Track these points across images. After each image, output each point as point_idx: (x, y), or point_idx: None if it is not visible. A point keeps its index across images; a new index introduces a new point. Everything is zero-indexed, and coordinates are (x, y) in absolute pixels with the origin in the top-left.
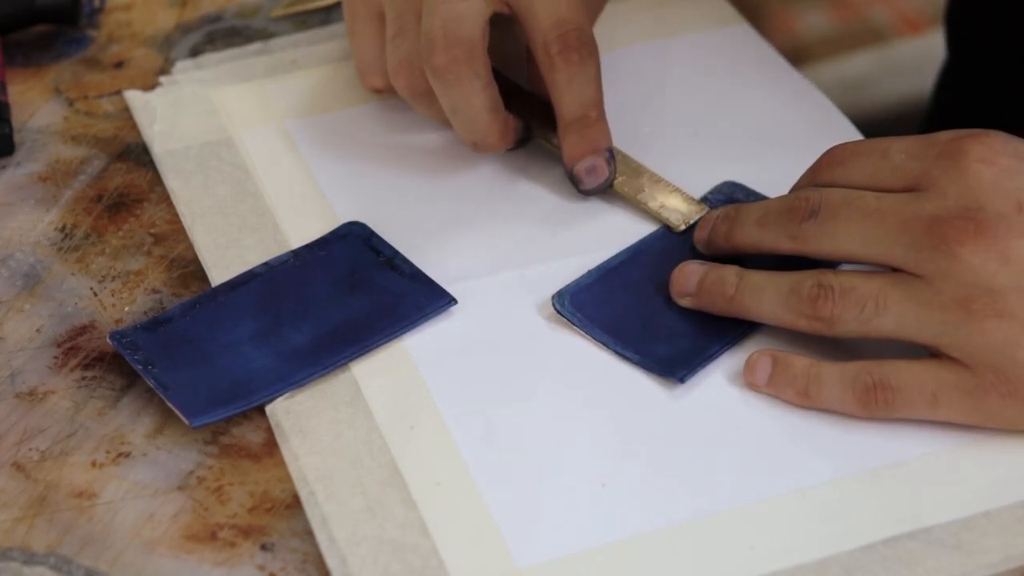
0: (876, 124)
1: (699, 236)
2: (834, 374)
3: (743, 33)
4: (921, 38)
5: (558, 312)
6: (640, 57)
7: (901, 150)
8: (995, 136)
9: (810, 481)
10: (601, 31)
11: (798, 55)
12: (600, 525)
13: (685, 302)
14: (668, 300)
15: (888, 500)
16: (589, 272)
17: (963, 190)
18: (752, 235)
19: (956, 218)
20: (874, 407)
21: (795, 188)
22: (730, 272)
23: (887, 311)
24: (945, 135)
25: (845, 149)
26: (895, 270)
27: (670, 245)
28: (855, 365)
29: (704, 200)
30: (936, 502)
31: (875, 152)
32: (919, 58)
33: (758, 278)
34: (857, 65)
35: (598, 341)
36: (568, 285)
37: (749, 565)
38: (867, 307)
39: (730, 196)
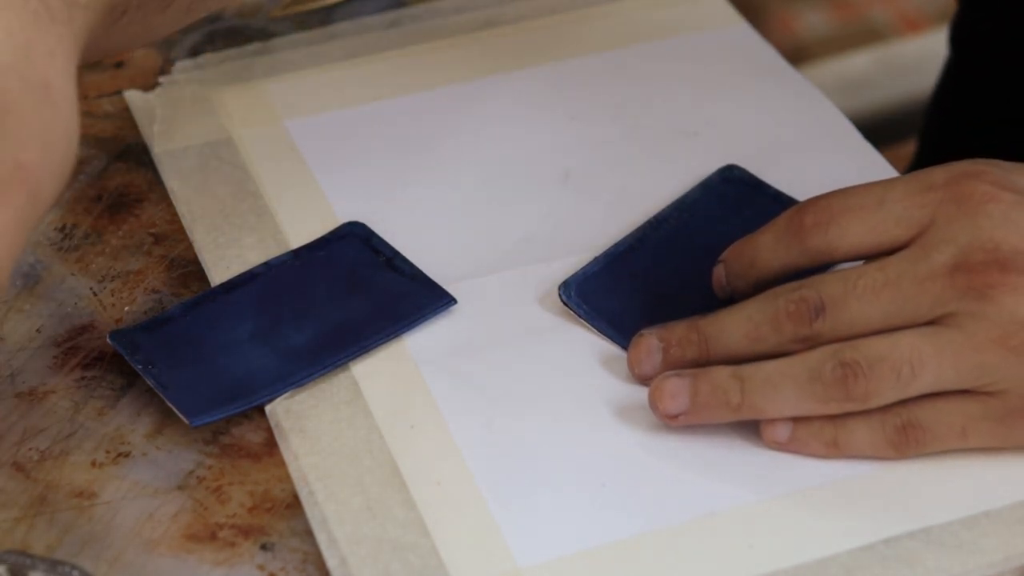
0: (876, 124)
1: (672, 356)
2: (860, 420)
3: (743, 33)
4: (921, 38)
5: (564, 303)
6: (640, 57)
7: (897, 199)
8: (989, 170)
9: (810, 481)
10: (601, 31)
11: (798, 55)
12: (600, 525)
13: (677, 423)
14: (674, 290)
15: (888, 500)
16: (596, 259)
17: (975, 232)
18: (747, 352)
19: (978, 262)
20: (905, 448)
21: (775, 256)
22: (723, 375)
23: (924, 370)
24: (937, 176)
25: (830, 206)
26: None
27: (676, 231)
28: (879, 408)
29: (706, 182)
30: (936, 502)
31: (868, 204)
32: (919, 58)
33: (764, 372)
34: (857, 65)
35: (603, 334)
36: (574, 274)
37: (749, 565)
38: (903, 373)
39: (729, 177)
